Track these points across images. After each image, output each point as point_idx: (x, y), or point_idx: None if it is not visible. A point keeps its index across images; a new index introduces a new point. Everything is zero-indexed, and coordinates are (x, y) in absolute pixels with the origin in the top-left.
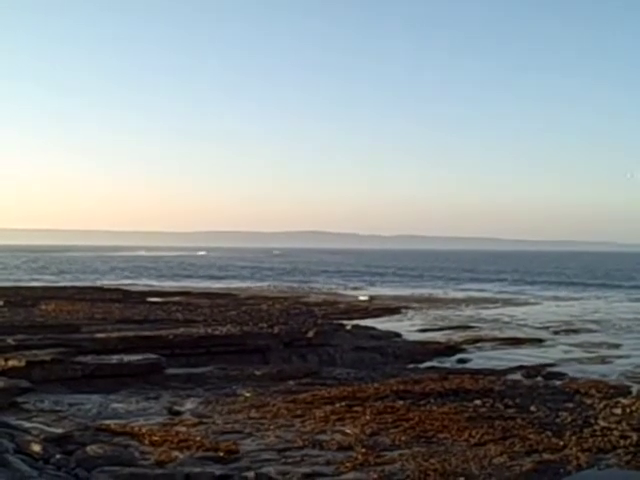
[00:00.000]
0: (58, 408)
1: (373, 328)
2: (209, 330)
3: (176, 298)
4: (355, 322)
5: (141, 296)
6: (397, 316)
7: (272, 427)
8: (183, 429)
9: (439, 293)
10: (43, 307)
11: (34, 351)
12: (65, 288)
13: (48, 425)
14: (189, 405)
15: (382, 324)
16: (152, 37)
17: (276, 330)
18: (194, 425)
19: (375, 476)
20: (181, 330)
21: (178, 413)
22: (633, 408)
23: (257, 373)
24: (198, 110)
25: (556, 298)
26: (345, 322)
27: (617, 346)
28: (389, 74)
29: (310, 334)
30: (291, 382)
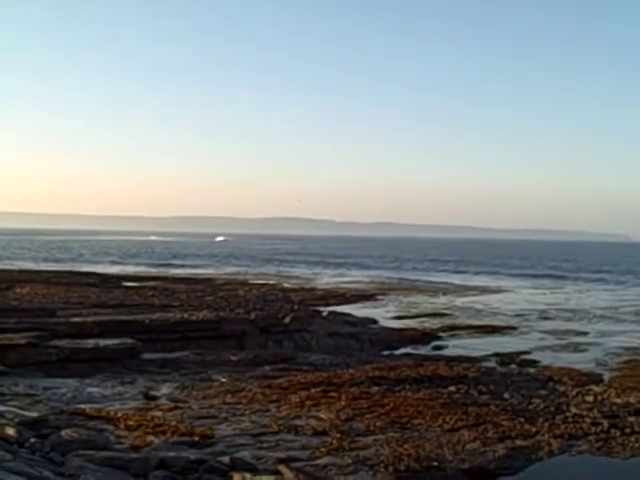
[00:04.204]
0: (33, 392)
1: (349, 314)
2: (185, 315)
3: (152, 283)
4: (331, 308)
5: (117, 280)
6: (373, 303)
7: (247, 412)
8: (158, 414)
9: (416, 280)
10: (18, 290)
11: (9, 335)
12: (41, 272)
13: (23, 409)
14: (165, 390)
15: (358, 310)
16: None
17: (252, 316)
18: (169, 410)
19: (349, 461)
20: (157, 315)
21: (154, 398)
22: (604, 395)
23: (233, 358)
24: (174, 96)
25: (530, 286)
26: (321, 308)
27: (590, 334)
28: (370, 63)
29: (286, 320)
30: (267, 367)
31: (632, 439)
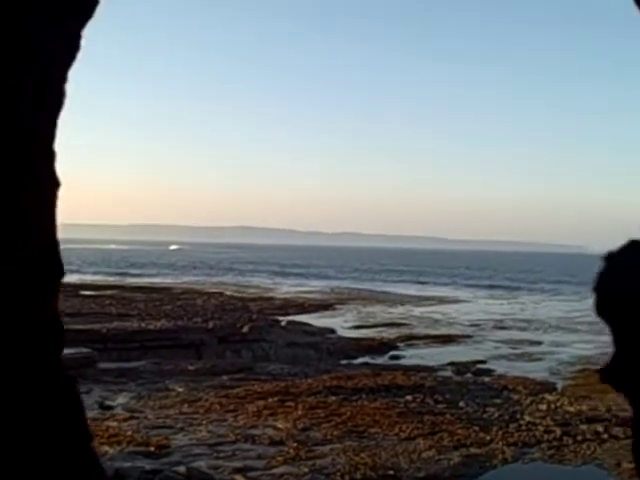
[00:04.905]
0: None
1: (308, 324)
2: (143, 324)
3: (110, 292)
4: (290, 318)
5: (75, 289)
6: (331, 312)
7: (204, 422)
8: (114, 424)
9: (374, 290)
10: None
11: None
12: None
13: None
14: (121, 400)
15: (317, 320)
16: None
17: (210, 325)
18: (125, 420)
19: (306, 470)
20: (115, 324)
21: (109, 407)
22: (557, 404)
23: (190, 368)
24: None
25: (487, 297)
26: (280, 318)
27: (544, 343)
28: (325, 69)
29: (245, 329)
30: (224, 377)
31: (584, 446)
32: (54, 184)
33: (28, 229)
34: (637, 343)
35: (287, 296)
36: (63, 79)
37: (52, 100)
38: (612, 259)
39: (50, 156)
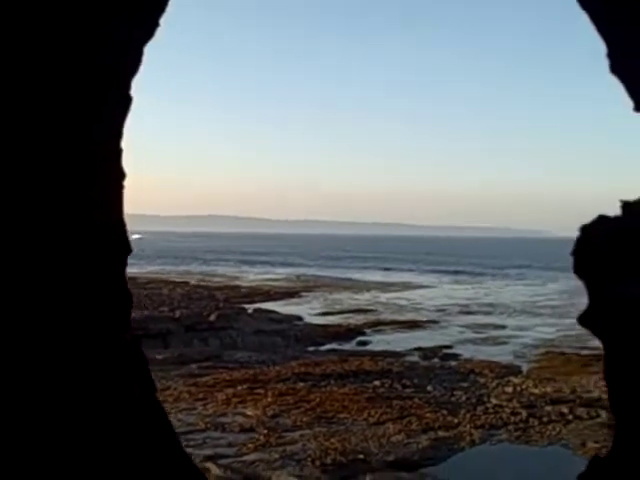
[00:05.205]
0: None
1: (274, 312)
2: None
3: None
4: (257, 306)
5: None
6: (298, 300)
7: (174, 411)
8: None
9: (340, 277)
10: None
11: None
12: None
13: None
14: None
15: (283, 307)
16: None
17: (177, 314)
18: None
19: (277, 456)
20: None
21: None
22: (523, 386)
23: (158, 357)
24: None
25: (452, 282)
26: (247, 306)
27: (509, 327)
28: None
29: (212, 318)
30: (193, 366)
31: (549, 427)
32: (120, 176)
33: (102, 214)
34: (606, 295)
35: (253, 284)
36: (128, 88)
37: (120, 107)
38: (585, 230)
39: (118, 153)
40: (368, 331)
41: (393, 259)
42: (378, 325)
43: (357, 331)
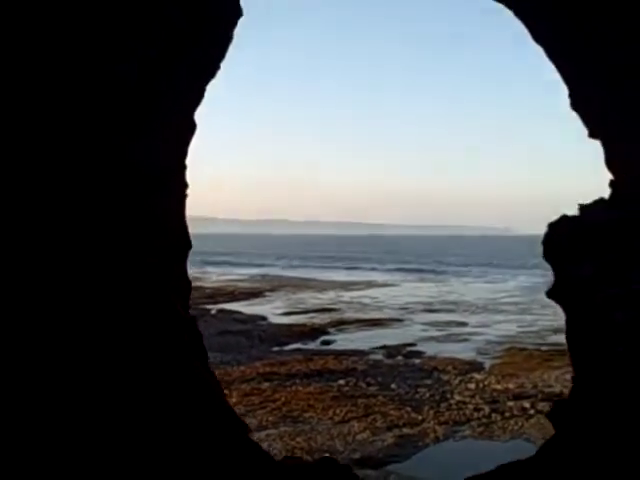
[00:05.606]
0: None
1: (238, 312)
2: None
3: None
4: (220, 306)
5: None
6: (261, 299)
7: None
8: None
9: (303, 276)
10: None
11: None
12: None
13: None
14: None
15: (247, 308)
16: None
17: None
18: None
19: None
20: None
21: None
22: (486, 383)
23: None
24: None
25: (416, 280)
26: (210, 307)
27: (471, 324)
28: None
29: None
30: None
31: (511, 422)
32: (184, 187)
33: (170, 218)
34: (566, 274)
35: (217, 285)
36: (193, 112)
37: (185, 131)
38: (552, 226)
39: (183, 168)
40: (332, 330)
41: (356, 258)
42: (342, 324)
43: (321, 330)
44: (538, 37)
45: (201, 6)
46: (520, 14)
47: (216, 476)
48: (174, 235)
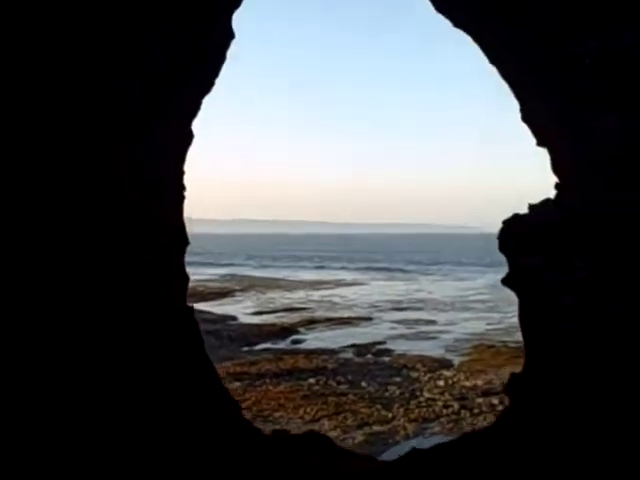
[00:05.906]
0: None
1: (208, 312)
2: None
3: None
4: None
5: None
6: (231, 299)
7: None
8: None
9: (273, 276)
10: None
11: None
12: None
13: None
14: None
15: (217, 307)
16: None
17: None
18: None
19: None
20: None
21: None
22: (454, 379)
23: None
24: None
25: (385, 279)
26: None
27: (440, 322)
28: None
29: None
30: None
31: (480, 418)
32: (182, 189)
33: (169, 218)
34: (517, 265)
35: None
36: (190, 123)
37: (183, 140)
38: (506, 223)
39: (181, 173)
40: (302, 329)
41: (325, 257)
42: (312, 323)
43: (291, 329)
44: (493, 61)
45: (200, 30)
46: (478, 41)
47: (214, 448)
48: (173, 233)
